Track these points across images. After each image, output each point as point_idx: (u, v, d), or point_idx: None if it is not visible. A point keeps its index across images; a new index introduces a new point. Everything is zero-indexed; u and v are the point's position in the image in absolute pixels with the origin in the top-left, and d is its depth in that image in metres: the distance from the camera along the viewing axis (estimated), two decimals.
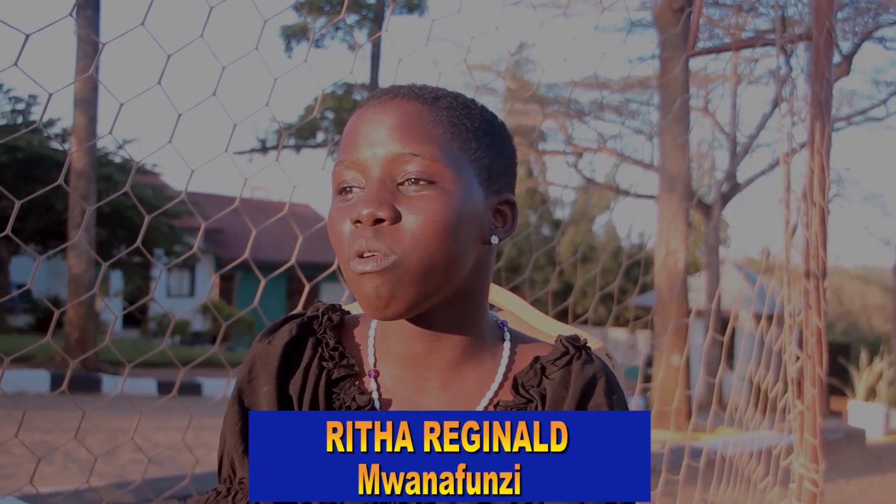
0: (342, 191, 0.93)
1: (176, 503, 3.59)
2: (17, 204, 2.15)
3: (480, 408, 0.95)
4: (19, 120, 16.33)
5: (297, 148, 23.18)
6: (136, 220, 15.98)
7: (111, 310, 3.71)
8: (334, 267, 2.91)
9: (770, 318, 3.40)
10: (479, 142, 0.95)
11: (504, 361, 0.98)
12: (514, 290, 1.41)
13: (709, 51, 7.45)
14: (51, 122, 16.48)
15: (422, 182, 0.89)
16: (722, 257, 15.87)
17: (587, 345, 1.00)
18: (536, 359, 0.97)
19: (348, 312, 1.06)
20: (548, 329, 1.20)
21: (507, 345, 1.00)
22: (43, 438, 6.70)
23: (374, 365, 0.99)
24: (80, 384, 10.01)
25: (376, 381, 0.98)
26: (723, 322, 14.13)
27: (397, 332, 0.97)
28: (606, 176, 21.70)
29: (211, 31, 2.57)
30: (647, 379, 10.69)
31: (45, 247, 16.79)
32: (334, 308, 1.04)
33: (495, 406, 0.95)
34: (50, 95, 2.21)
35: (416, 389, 0.97)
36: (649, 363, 12.59)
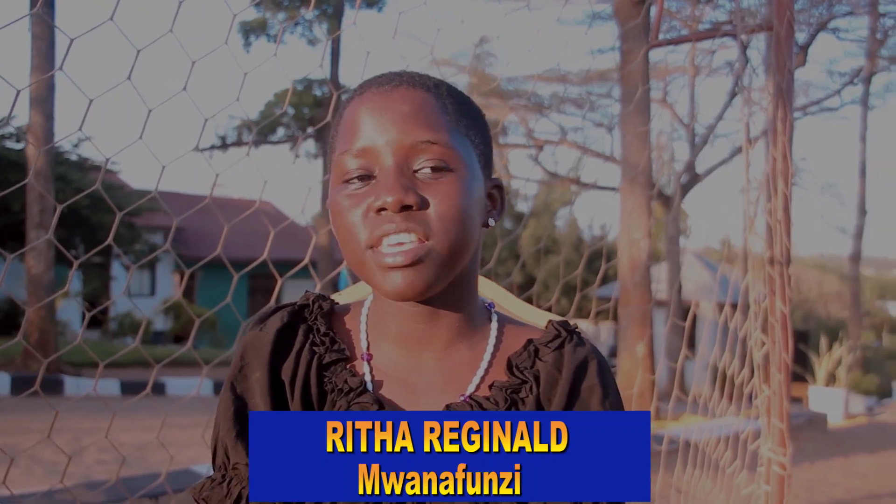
0: (348, 180, 0.92)
1: (149, 502, 3.56)
2: None
3: (472, 386, 0.97)
4: None
5: (257, 144, 22.98)
6: (94, 220, 15.73)
7: (84, 310, 3.66)
8: (304, 263, 2.90)
9: (733, 305, 3.45)
10: (475, 128, 0.97)
11: (492, 341, 1.00)
12: None
13: (669, 42, 7.52)
14: (5, 121, 16.17)
15: (438, 169, 0.90)
16: (682, 247, 16.03)
17: (577, 329, 1.01)
18: (529, 341, 0.99)
19: (337, 302, 1.07)
20: (529, 317, 1.20)
21: (494, 325, 1.02)
22: (5, 441, 6.60)
23: (367, 349, 1.00)
24: (42, 386, 9.81)
25: (369, 364, 0.99)
26: (684, 311, 14.29)
27: (395, 313, 0.97)
28: (569, 169, 21.81)
29: (179, 27, 2.54)
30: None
31: (3, 248, 16.47)
32: (324, 297, 1.05)
33: (490, 386, 0.96)
34: (18, 92, 2.18)
35: (411, 370, 0.98)
36: (613, 353, 12.69)
